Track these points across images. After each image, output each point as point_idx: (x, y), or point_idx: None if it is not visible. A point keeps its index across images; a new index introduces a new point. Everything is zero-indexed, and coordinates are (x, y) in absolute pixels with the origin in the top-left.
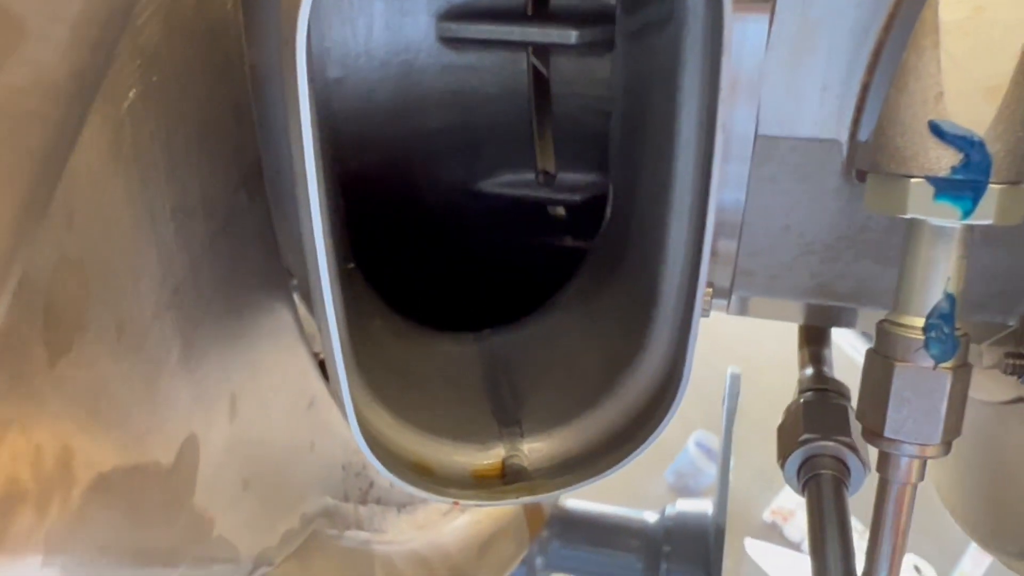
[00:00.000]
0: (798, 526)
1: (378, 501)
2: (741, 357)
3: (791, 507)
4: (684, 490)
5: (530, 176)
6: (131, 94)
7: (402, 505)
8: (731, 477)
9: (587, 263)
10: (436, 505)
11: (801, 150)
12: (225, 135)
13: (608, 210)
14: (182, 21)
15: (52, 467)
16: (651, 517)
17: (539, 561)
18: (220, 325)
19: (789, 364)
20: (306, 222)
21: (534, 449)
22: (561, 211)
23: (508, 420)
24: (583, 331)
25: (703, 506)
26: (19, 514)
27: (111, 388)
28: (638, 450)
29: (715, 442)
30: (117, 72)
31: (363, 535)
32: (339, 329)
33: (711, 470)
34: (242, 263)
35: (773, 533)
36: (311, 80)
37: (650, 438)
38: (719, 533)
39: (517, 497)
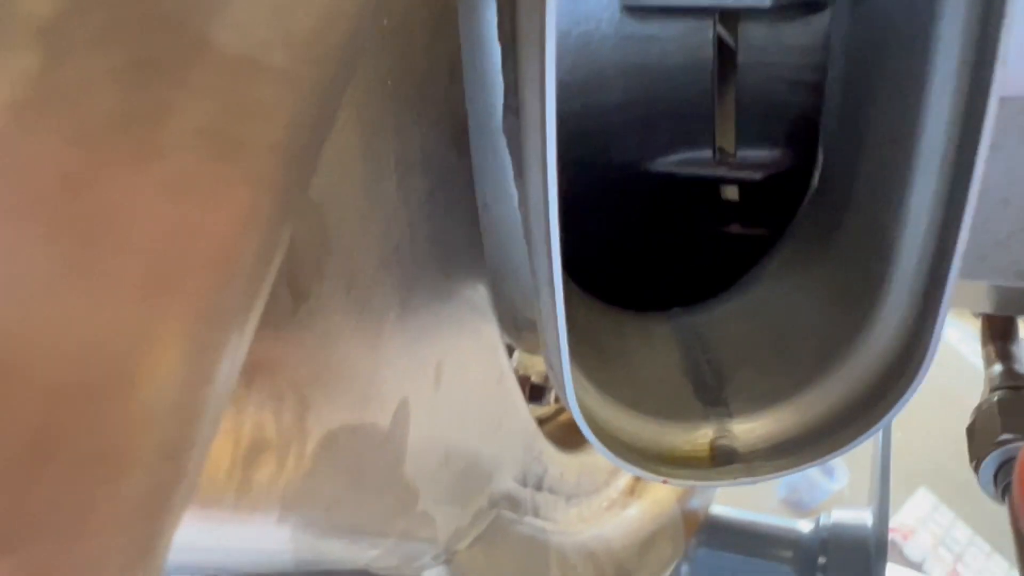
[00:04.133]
0: (919, 545)
1: (551, 490)
2: None
3: (912, 524)
4: (797, 504)
5: (707, 154)
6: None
7: (569, 496)
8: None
9: (789, 237)
10: (600, 499)
11: None
12: (442, 89)
13: (815, 179)
14: None
15: (291, 418)
16: (805, 527)
17: (684, 568)
18: (431, 288)
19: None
20: (536, 188)
21: (746, 431)
22: (735, 193)
23: (713, 400)
24: (790, 306)
25: (862, 517)
26: (263, 464)
27: (341, 343)
28: (867, 432)
29: None
30: None
31: (539, 523)
32: (562, 299)
33: (827, 484)
34: (451, 225)
35: (892, 551)
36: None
37: (882, 420)
38: (880, 546)
39: (734, 479)
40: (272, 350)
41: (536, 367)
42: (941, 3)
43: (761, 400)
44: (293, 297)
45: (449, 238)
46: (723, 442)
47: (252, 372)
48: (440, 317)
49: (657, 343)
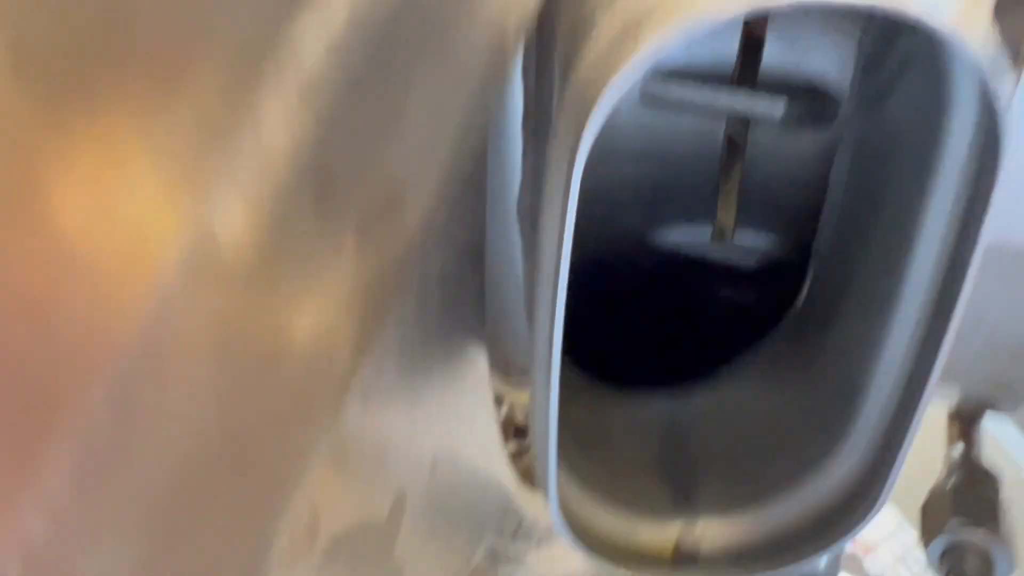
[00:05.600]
0: (879, 559)
1: (525, 536)
2: None
3: (874, 540)
4: None
5: (708, 234)
6: None
7: (540, 539)
8: None
9: (775, 338)
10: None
11: None
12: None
13: (807, 285)
14: None
15: (304, 529)
16: None
17: None
18: (437, 368)
19: None
20: (549, 255)
21: (710, 533)
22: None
23: (683, 498)
24: (768, 412)
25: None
26: None
27: (350, 444)
28: (825, 550)
29: None
30: None
31: (509, 568)
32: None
33: None
34: (456, 300)
35: (852, 564)
36: None
37: (839, 541)
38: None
39: None
40: None
41: (522, 402)
42: (941, 147)
43: (726, 503)
44: None
45: (456, 311)
46: (687, 542)
47: None
48: (440, 397)
49: (636, 429)
